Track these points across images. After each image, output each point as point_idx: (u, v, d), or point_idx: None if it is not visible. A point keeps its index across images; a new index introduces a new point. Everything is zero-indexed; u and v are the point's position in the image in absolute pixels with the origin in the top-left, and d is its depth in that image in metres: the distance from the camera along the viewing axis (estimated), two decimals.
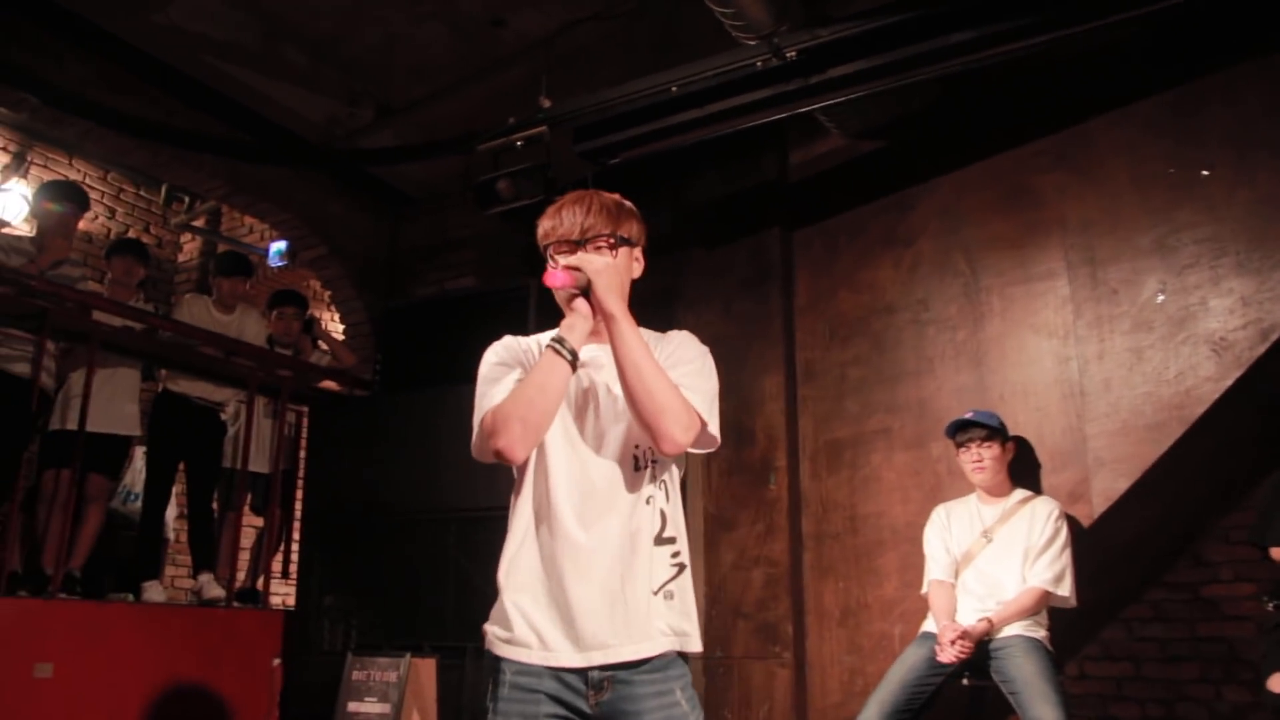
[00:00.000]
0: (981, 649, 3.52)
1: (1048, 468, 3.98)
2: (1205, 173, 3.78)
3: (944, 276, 4.46)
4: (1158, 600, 4.61)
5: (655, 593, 1.84)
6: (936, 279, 4.48)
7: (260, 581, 5.11)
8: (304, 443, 5.34)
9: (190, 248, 7.72)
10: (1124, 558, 4.26)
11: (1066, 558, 3.62)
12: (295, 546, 5.18)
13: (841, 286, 4.78)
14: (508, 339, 2.00)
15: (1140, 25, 3.82)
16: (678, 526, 1.92)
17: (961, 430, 3.83)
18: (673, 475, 1.96)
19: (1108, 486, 3.84)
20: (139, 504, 5.20)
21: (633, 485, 1.87)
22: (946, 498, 4.04)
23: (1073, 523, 3.77)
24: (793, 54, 3.90)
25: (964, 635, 3.47)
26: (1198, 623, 4.53)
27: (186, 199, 7.43)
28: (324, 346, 5.65)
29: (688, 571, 1.91)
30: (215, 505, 5.21)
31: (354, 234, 5.90)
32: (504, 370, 1.90)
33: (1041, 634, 3.57)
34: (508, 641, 1.81)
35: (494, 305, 4.99)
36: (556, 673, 1.77)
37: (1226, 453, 4.13)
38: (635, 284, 2.00)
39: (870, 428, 4.55)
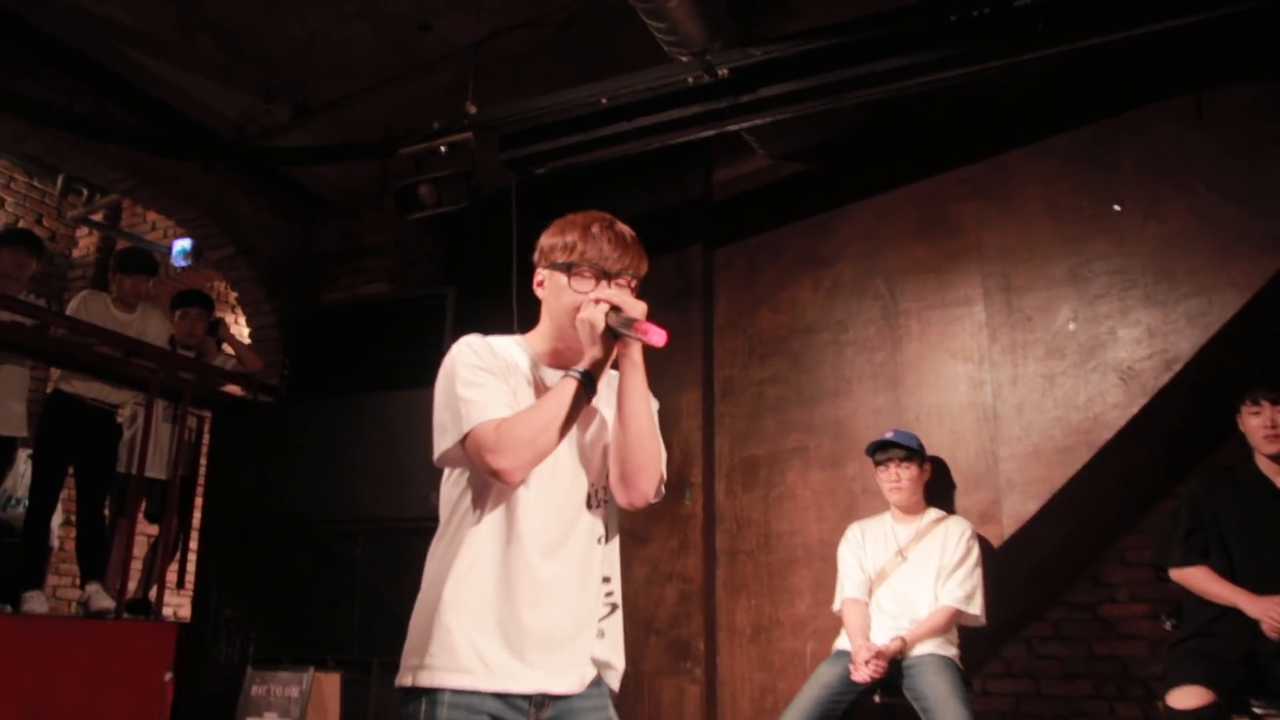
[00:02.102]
0: (894, 667, 3.56)
1: (961, 489, 4.07)
2: (1117, 207, 3.93)
3: (863, 299, 4.52)
4: (1058, 619, 4.74)
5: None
6: (856, 301, 4.54)
7: (153, 592, 4.88)
8: (205, 449, 5.13)
9: (86, 243, 7.39)
10: (1031, 578, 4.37)
11: (977, 577, 3.69)
12: (192, 556, 4.97)
13: (762, 305, 4.81)
14: (478, 340, 1.87)
15: (1060, 62, 3.96)
16: (613, 566, 1.93)
17: (881, 450, 3.88)
18: (613, 516, 1.95)
19: (1018, 508, 3.93)
20: (20, 509, 4.92)
21: (589, 520, 1.86)
22: (861, 517, 4.09)
23: (984, 543, 3.86)
24: (725, 71, 3.93)
25: (878, 654, 3.51)
26: (1095, 641, 4.66)
27: (85, 191, 7.11)
28: (229, 350, 5.45)
29: (619, 611, 1.92)
30: (107, 512, 4.96)
31: (264, 235, 5.71)
32: (489, 377, 1.80)
33: (953, 652, 3.63)
34: (449, 669, 1.71)
35: (409, 313, 4.88)
36: (500, 696, 1.72)
37: (1128, 477, 4.28)
38: None
39: (787, 446, 4.58)
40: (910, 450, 3.85)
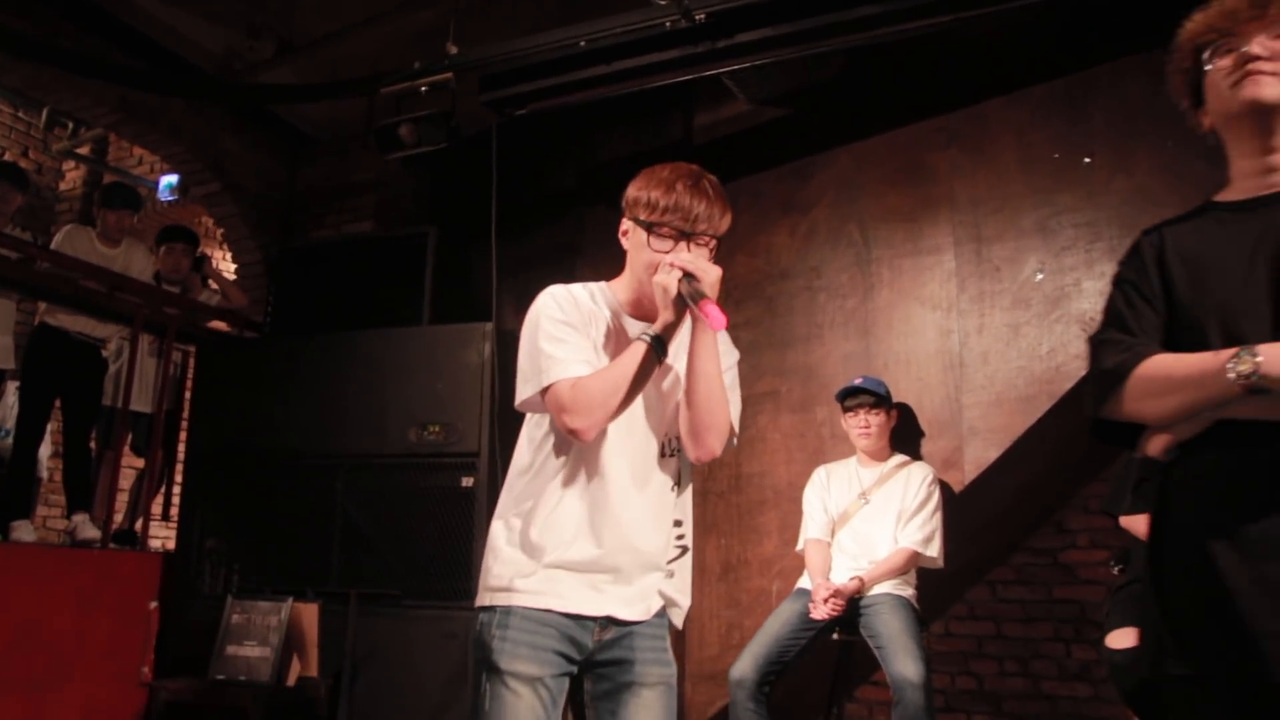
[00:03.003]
0: (852, 605, 3.67)
1: (925, 435, 4.15)
2: (1087, 160, 3.95)
3: (837, 245, 4.57)
4: (1021, 564, 4.86)
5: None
6: (830, 247, 4.59)
7: (139, 523, 4.99)
8: (190, 383, 5.21)
9: (73, 176, 7.39)
10: (992, 523, 4.47)
11: (937, 521, 3.79)
12: (177, 489, 5.07)
13: (738, 250, 4.85)
14: (562, 292, 1.94)
15: (1038, 12, 3.95)
16: (685, 511, 2.05)
17: (850, 396, 3.95)
18: (686, 464, 2.04)
19: (979, 455, 4.02)
20: (9, 441, 5.02)
21: (662, 468, 1.96)
22: (828, 460, 4.18)
23: (945, 488, 3.95)
24: (701, 16, 3.93)
25: (836, 593, 3.62)
26: (1055, 586, 4.79)
27: (70, 124, 7.10)
28: (214, 285, 5.50)
29: (689, 554, 2.05)
30: (94, 444, 5.06)
31: (250, 171, 5.73)
32: (571, 332, 1.88)
33: (909, 592, 3.74)
34: (525, 592, 1.84)
35: (393, 252, 4.92)
36: (570, 615, 1.85)
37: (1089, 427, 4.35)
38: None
39: (759, 390, 4.65)
40: (879, 397, 3.93)
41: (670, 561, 2.00)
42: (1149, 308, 1.65)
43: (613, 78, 4.28)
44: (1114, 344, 1.64)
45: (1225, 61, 1.62)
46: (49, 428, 5.11)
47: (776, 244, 4.73)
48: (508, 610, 1.83)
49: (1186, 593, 1.52)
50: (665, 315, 1.83)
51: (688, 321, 1.90)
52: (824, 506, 3.96)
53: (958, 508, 3.98)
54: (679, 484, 2.01)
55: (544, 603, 1.83)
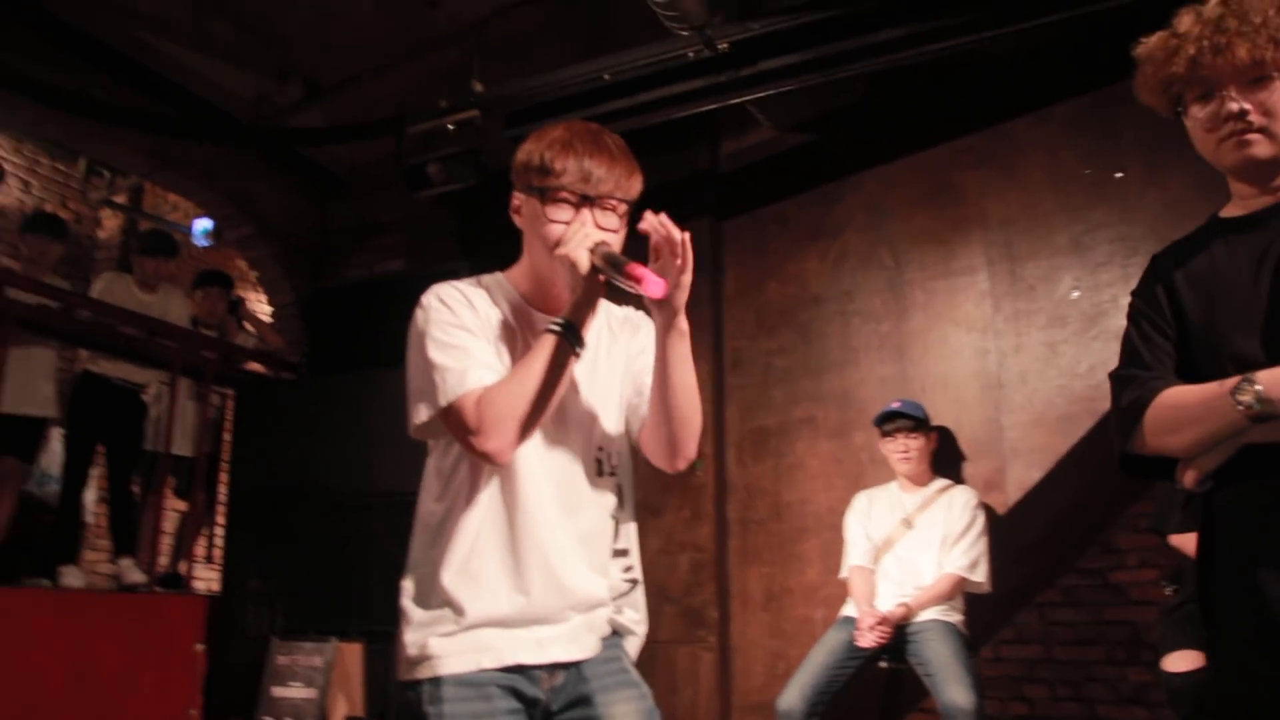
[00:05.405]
0: (899, 633, 3.62)
1: (966, 457, 4.10)
2: (1119, 174, 3.91)
3: (869, 269, 4.55)
4: (1069, 586, 4.78)
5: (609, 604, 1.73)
6: (862, 271, 4.57)
7: (183, 566, 5.03)
8: (229, 425, 5.26)
9: (111, 224, 7.51)
10: (1038, 545, 4.40)
11: (982, 545, 3.74)
12: (219, 530, 5.11)
13: (770, 277, 4.85)
14: (450, 290, 1.65)
15: (1058, 30, 3.93)
16: (630, 538, 1.76)
17: (889, 420, 3.92)
18: (628, 482, 1.77)
19: (1022, 476, 3.96)
20: (55, 487, 5.08)
21: (597, 490, 1.68)
22: (868, 485, 4.14)
23: (989, 511, 3.89)
24: (724, 46, 3.96)
25: (883, 620, 3.57)
26: (1105, 607, 4.70)
27: (107, 174, 7.23)
28: (250, 328, 5.57)
29: (640, 586, 1.78)
30: (136, 488, 5.11)
31: (282, 214, 5.81)
32: (466, 336, 1.59)
33: (957, 618, 3.69)
34: (452, 654, 1.56)
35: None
36: (509, 669, 1.58)
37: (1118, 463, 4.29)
38: None
39: (795, 416, 4.63)
40: (917, 420, 3.89)
41: (619, 598, 1.72)
42: (1162, 337, 1.66)
43: (637, 110, 4.31)
44: (1130, 380, 1.64)
45: (1203, 112, 1.60)
46: (93, 473, 5.17)
47: (807, 270, 4.72)
48: (436, 681, 1.54)
49: (1235, 624, 1.50)
50: (576, 296, 1.56)
51: (630, 317, 1.75)
52: (866, 533, 3.92)
53: (1002, 530, 3.92)
54: (620, 505, 1.72)
55: (474, 663, 1.55)
